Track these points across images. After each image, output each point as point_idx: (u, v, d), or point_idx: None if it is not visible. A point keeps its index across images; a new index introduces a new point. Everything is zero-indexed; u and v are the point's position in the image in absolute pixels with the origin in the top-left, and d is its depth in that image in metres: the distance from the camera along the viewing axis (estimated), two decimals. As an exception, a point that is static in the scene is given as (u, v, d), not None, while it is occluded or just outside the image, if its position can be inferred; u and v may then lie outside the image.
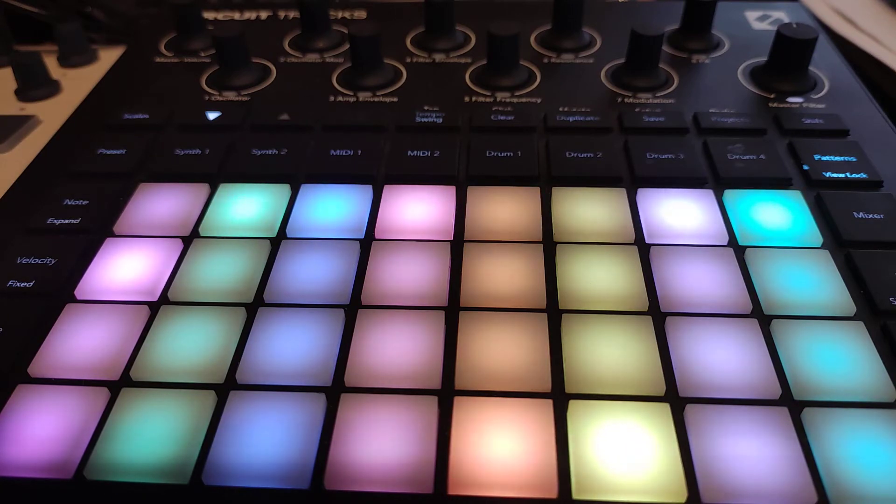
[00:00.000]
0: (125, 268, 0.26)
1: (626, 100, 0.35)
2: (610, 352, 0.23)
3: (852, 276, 0.26)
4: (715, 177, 0.30)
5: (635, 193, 0.29)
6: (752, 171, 0.30)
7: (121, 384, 0.23)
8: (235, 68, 0.37)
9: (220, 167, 0.31)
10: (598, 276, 0.25)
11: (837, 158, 0.31)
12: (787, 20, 0.42)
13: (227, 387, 0.23)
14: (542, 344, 0.23)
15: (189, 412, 0.22)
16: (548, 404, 0.21)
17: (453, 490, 0.20)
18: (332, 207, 0.29)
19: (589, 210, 0.28)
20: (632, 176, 0.30)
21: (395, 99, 0.36)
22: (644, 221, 0.28)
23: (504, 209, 0.28)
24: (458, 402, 0.22)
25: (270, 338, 0.24)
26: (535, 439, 0.21)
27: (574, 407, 0.21)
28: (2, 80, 0.42)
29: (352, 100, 0.36)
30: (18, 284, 0.26)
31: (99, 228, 0.28)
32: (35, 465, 0.20)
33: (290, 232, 0.28)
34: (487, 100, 0.36)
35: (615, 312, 0.24)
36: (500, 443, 0.20)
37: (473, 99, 0.36)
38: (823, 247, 0.27)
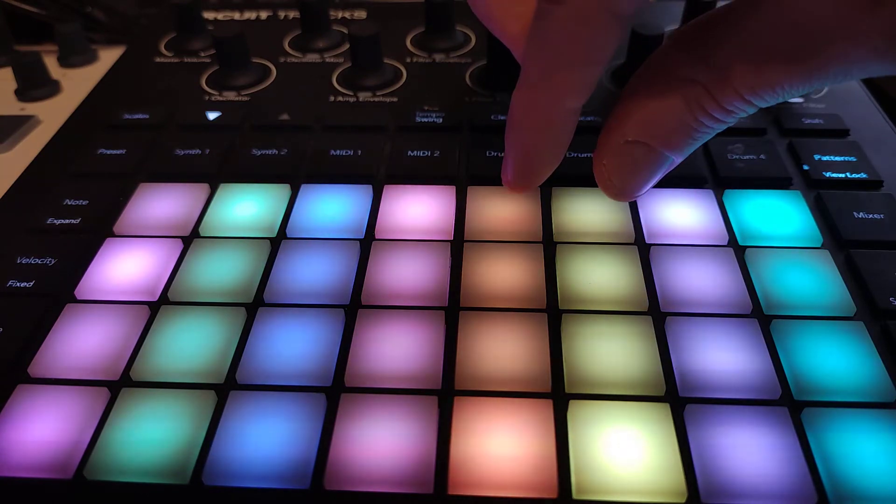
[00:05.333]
0: (125, 268, 0.26)
1: (626, 100, 0.35)
2: (610, 352, 0.23)
3: (852, 276, 0.26)
4: (715, 177, 0.30)
5: (635, 193, 0.29)
6: (752, 171, 0.30)
7: (121, 384, 0.23)
8: (235, 68, 0.37)
9: (220, 167, 0.31)
10: (598, 276, 0.25)
11: (837, 158, 0.31)
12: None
13: (227, 387, 0.23)
14: (542, 344, 0.23)
15: (189, 412, 0.22)
16: (548, 404, 0.21)
17: (453, 490, 0.20)
18: (332, 207, 0.29)
19: (589, 210, 0.28)
20: (632, 176, 0.30)
21: (395, 99, 0.36)
22: (644, 221, 0.28)
23: (504, 209, 0.28)
24: (458, 402, 0.22)
25: (270, 338, 0.24)
26: (535, 439, 0.21)
27: (574, 407, 0.21)
28: (2, 80, 0.42)
29: (352, 100, 0.36)
30: (18, 284, 0.26)
31: (99, 228, 0.28)
32: (35, 465, 0.20)
33: (290, 232, 0.28)
34: (487, 100, 0.36)
35: (615, 312, 0.24)
36: (500, 443, 0.20)
37: (473, 99, 0.36)
38: (823, 247, 0.27)
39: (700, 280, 0.25)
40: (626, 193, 0.22)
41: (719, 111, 0.19)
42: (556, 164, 0.22)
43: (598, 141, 0.21)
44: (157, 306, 0.25)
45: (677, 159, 0.21)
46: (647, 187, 0.22)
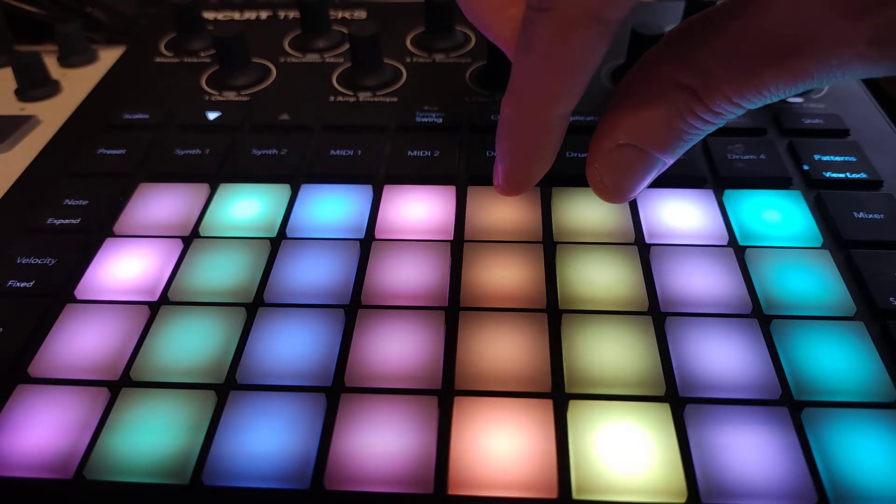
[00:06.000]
0: (125, 268, 0.26)
1: (626, 100, 0.35)
2: (610, 352, 0.23)
3: (852, 276, 0.26)
4: (715, 177, 0.30)
5: (635, 193, 0.29)
6: (752, 171, 0.30)
7: (121, 384, 0.23)
8: (235, 68, 0.37)
9: (220, 167, 0.31)
10: (598, 276, 0.25)
11: (837, 158, 0.31)
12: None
13: (227, 387, 0.23)
14: (542, 344, 0.23)
15: (189, 412, 0.22)
16: (548, 404, 0.21)
17: (453, 490, 0.20)
18: (332, 207, 0.29)
19: (589, 210, 0.28)
20: (632, 176, 0.30)
21: (395, 99, 0.36)
22: (644, 221, 0.28)
23: (504, 209, 0.28)
24: (458, 401, 0.22)
25: (270, 338, 0.24)
26: (535, 439, 0.21)
27: (574, 407, 0.21)
28: (2, 80, 0.42)
29: (352, 100, 0.36)
30: (18, 284, 0.26)
31: (99, 228, 0.28)
32: (35, 465, 0.20)
33: (290, 232, 0.28)
34: (487, 100, 0.36)
35: (615, 312, 0.24)
36: (500, 443, 0.20)
37: (473, 99, 0.36)
38: (823, 247, 0.27)
39: (700, 280, 0.25)
40: (619, 196, 0.22)
41: (708, 113, 0.19)
42: (546, 168, 0.22)
43: (590, 144, 0.22)
44: (157, 306, 0.25)
45: (668, 161, 0.21)
46: (640, 189, 0.22)
